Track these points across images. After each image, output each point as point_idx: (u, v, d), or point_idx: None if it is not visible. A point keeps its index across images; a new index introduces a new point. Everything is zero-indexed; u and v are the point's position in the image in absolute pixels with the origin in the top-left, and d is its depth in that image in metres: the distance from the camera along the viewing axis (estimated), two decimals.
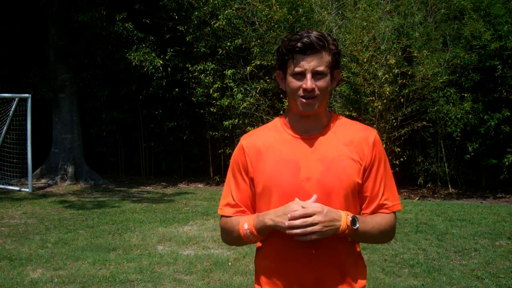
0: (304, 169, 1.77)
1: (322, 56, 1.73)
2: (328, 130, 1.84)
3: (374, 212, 1.83)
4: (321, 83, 1.74)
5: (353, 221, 1.72)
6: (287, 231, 1.66)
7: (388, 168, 1.86)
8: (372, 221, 1.79)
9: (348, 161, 1.78)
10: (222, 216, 1.90)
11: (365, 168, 1.80)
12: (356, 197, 1.82)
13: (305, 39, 1.71)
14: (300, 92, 1.74)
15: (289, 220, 1.65)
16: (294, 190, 1.75)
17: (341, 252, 1.79)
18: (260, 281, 1.86)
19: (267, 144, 1.84)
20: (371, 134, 1.85)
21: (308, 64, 1.72)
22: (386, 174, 1.84)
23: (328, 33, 1.80)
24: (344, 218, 1.70)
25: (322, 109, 1.81)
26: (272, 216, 1.71)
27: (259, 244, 1.90)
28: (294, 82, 1.75)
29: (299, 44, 1.71)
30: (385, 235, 1.84)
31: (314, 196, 1.72)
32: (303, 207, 1.66)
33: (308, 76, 1.72)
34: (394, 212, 1.85)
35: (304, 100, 1.74)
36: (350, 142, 1.82)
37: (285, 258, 1.78)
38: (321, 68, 1.73)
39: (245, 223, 1.79)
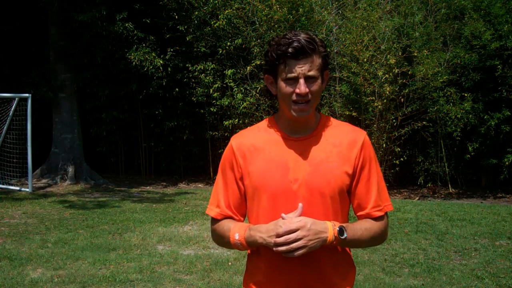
0: (292, 170, 1.77)
1: (313, 59, 1.72)
2: (318, 132, 1.83)
3: (366, 214, 1.83)
4: (314, 87, 1.73)
5: (341, 231, 1.71)
6: (274, 249, 1.68)
7: (378, 169, 1.86)
8: (361, 227, 1.79)
9: (337, 163, 1.78)
10: (212, 217, 1.91)
11: (354, 170, 1.80)
12: (345, 199, 1.82)
13: (296, 44, 1.69)
14: (293, 97, 1.73)
15: (275, 238, 1.67)
16: (282, 191, 1.76)
17: (325, 261, 1.79)
18: (250, 281, 1.88)
19: (257, 144, 1.84)
20: (360, 135, 1.84)
21: (301, 69, 1.70)
22: (377, 176, 1.84)
23: (315, 34, 1.78)
24: (331, 229, 1.70)
25: (312, 111, 1.81)
26: (264, 234, 1.72)
27: None
28: (286, 88, 1.74)
29: (290, 50, 1.69)
30: (376, 239, 1.85)
31: (300, 205, 1.72)
32: (287, 223, 1.67)
33: (301, 81, 1.71)
34: (386, 213, 1.86)
35: (297, 106, 1.74)
36: (339, 143, 1.81)
37: (274, 262, 1.79)
38: (313, 73, 1.72)
39: (236, 233, 1.79)
